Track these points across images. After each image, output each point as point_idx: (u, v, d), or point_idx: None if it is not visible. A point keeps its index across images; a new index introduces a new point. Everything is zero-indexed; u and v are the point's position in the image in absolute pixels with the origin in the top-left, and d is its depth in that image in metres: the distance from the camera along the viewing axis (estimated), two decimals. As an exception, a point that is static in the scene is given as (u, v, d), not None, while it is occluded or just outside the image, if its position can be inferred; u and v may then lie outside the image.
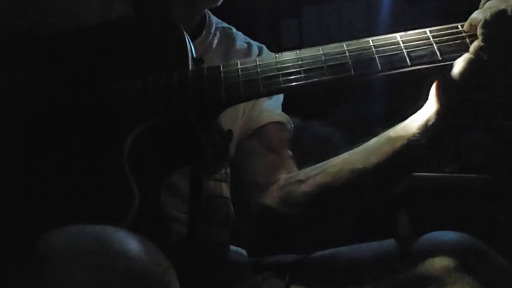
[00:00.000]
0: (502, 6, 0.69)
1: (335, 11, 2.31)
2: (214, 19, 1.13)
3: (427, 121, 0.79)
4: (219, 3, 1.04)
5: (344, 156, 0.89)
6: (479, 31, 0.70)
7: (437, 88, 0.78)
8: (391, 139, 0.83)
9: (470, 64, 0.71)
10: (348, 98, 2.14)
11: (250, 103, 1.07)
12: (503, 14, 0.68)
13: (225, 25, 1.15)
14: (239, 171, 1.04)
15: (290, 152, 1.06)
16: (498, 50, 0.69)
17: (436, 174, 1.67)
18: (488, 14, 0.69)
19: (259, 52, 1.13)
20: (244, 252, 1.10)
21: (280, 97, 1.12)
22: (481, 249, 0.77)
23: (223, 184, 0.86)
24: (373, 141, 0.87)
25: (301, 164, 1.02)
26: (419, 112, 0.82)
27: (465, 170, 1.73)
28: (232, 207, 0.87)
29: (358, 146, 0.89)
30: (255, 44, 1.14)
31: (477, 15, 0.72)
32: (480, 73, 0.71)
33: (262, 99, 1.07)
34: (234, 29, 1.16)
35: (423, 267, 0.77)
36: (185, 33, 0.85)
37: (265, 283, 0.94)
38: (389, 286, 0.79)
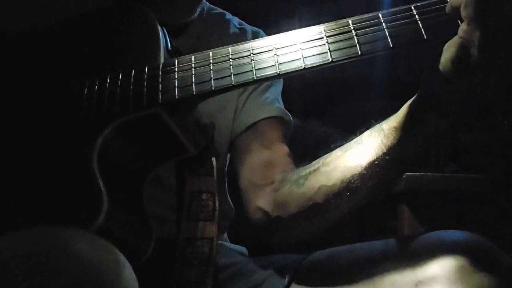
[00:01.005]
0: None
1: (335, 11, 2.31)
2: (207, 5, 1.09)
3: (420, 110, 0.75)
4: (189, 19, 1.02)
5: (337, 153, 0.86)
6: (463, 13, 0.65)
7: (427, 75, 0.74)
8: (383, 131, 0.80)
9: (459, 49, 0.66)
10: (348, 98, 2.14)
11: (244, 96, 1.04)
12: None
13: (219, 10, 1.12)
14: (235, 168, 1.03)
15: (286, 148, 1.02)
16: (486, 31, 0.63)
17: (436, 174, 1.66)
18: None
19: (253, 38, 1.08)
20: (244, 250, 1.09)
21: (279, 86, 1.09)
22: (489, 248, 0.75)
23: (209, 179, 0.84)
24: (365, 134, 0.83)
25: (300, 164, 1.01)
26: (411, 101, 0.78)
27: (465, 170, 1.73)
28: (219, 202, 0.84)
29: (351, 140, 0.85)
30: (249, 29, 1.11)
31: None
32: (471, 57, 0.65)
33: (258, 91, 1.05)
34: (228, 15, 1.12)
35: (430, 266, 0.76)
36: (157, 24, 0.83)
37: (265, 282, 0.94)
38: (392, 285, 0.78)
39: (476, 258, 0.73)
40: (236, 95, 1.03)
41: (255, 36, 1.10)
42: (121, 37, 0.84)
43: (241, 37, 1.07)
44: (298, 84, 2.12)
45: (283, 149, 1.01)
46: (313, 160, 0.91)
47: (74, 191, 0.72)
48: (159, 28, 0.83)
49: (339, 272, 0.85)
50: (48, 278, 0.53)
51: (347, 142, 0.86)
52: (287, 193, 0.90)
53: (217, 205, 0.83)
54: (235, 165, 1.03)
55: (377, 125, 0.82)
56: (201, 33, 1.04)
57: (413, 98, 0.77)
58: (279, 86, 1.09)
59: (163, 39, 0.82)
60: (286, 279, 0.91)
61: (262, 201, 0.95)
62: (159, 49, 0.80)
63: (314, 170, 0.88)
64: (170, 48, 0.82)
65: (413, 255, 0.78)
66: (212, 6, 1.11)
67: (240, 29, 1.10)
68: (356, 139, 0.84)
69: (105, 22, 0.87)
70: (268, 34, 0.83)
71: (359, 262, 0.84)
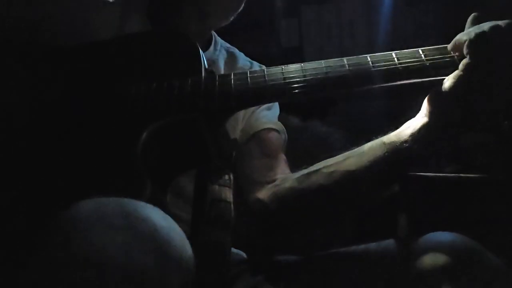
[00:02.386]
0: (484, 28, 0.77)
1: (335, 11, 2.31)
2: (219, 39, 1.18)
3: (419, 129, 0.83)
4: (229, 21, 1.09)
5: (339, 158, 0.92)
6: (465, 50, 0.77)
7: (429, 100, 0.83)
8: (384, 145, 0.87)
9: (460, 80, 0.77)
10: (348, 98, 2.14)
11: (249, 112, 1.12)
12: (485, 35, 0.76)
13: (229, 45, 1.21)
14: (238, 172, 1.06)
15: (284, 157, 1.10)
16: (484, 66, 0.76)
17: (436, 174, 1.67)
18: (473, 35, 0.77)
19: None
20: (242, 254, 1.10)
21: (277, 110, 1.18)
22: (475, 249, 0.79)
23: (227, 190, 0.88)
24: (367, 145, 0.90)
25: (301, 164, 1.02)
26: (412, 120, 0.86)
27: (465, 170, 1.73)
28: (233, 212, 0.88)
29: (353, 149, 0.92)
30: (256, 64, 1.20)
31: (461, 37, 0.79)
32: (469, 88, 0.77)
33: (260, 109, 1.13)
34: (236, 50, 1.22)
35: (418, 268, 0.78)
36: (198, 46, 0.90)
37: (265, 284, 0.95)
38: (386, 286, 0.80)
39: (463, 259, 0.75)
40: (242, 113, 1.11)
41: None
42: (164, 56, 0.91)
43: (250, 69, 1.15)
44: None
45: (282, 157, 1.10)
46: (313, 160, 0.97)
47: (119, 178, 0.77)
48: (200, 49, 0.90)
49: (336, 274, 0.87)
50: (131, 237, 0.57)
51: (349, 151, 0.93)
52: (287, 188, 0.97)
53: (232, 215, 0.87)
54: (237, 169, 1.07)
55: (378, 139, 0.89)
56: (216, 60, 1.13)
57: (415, 118, 0.86)
58: (277, 110, 1.18)
59: (203, 58, 0.89)
60: (286, 281, 0.92)
61: (262, 194, 1.00)
62: (201, 65, 0.88)
63: (316, 171, 0.94)
64: (206, 68, 0.89)
65: (404, 257, 0.82)
66: (223, 40, 1.20)
67: (249, 62, 1.20)
68: (358, 148, 0.91)
69: (149, 42, 0.95)
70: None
71: (356, 264, 0.86)
